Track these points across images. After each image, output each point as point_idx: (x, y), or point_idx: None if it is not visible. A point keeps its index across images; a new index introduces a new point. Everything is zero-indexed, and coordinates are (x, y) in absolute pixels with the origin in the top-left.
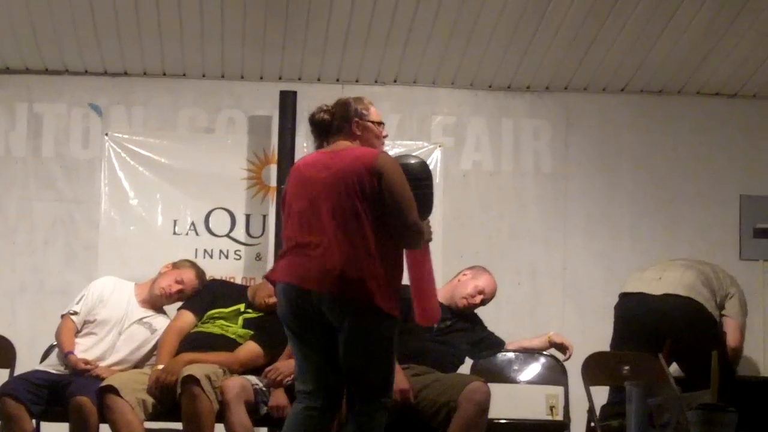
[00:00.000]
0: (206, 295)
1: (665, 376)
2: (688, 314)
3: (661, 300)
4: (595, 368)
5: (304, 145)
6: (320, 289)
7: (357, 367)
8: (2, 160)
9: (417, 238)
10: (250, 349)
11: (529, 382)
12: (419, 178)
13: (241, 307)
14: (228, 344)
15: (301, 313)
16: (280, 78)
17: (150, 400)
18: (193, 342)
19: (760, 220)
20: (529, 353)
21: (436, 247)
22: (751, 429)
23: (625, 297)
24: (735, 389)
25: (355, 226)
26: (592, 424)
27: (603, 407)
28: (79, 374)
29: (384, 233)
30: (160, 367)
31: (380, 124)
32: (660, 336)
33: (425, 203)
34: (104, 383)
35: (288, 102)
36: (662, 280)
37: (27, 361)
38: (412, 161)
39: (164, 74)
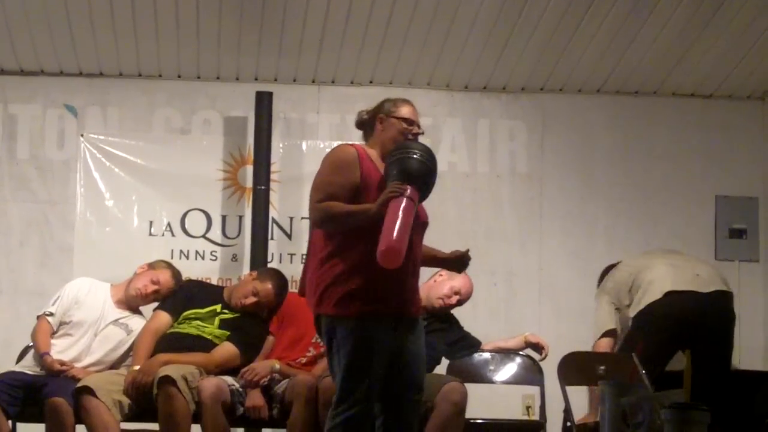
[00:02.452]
0: (182, 295)
1: (639, 376)
2: (731, 307)
3: (715, 298)
4: (571, 368)
5: (280, 146)
6: None
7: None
8: None
9: (317, 217)
10: (227, 349)
11: (506, 382)
12: (393, 150)
13: (218, 307)
14: (204, 345)
15: None
16: (255, 79)
17: (126, 400)
18: (169, 343)
19: (736, 221)
20: (506, 353)
21: None
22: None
23: (675, 295)
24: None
25: (312, 234)
26: (568, 423)
27: None
28: (55, 375)
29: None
30: (137, 367)
31: (406, 120)
32: (705, 334)
33: (393, 168)
34: (80, 384)
35: (264, 103)
36: (701, 277)
37: (2, 363)
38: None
39: (140, 75)
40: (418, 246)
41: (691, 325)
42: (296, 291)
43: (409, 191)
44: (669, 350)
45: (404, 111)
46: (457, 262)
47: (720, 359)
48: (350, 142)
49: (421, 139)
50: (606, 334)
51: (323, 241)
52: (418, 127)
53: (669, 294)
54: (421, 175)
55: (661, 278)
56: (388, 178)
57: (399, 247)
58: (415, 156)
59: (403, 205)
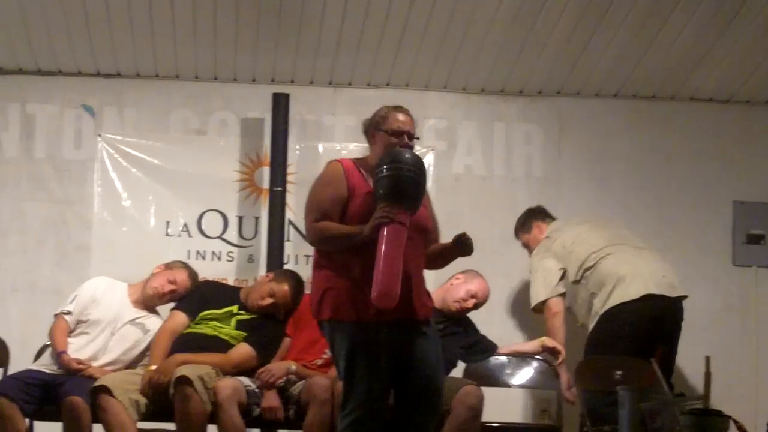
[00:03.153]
0: (199, 296)
1: (658, 381)
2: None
3: (676, 303)
4: (588, 372)
5: (297, 148)
6: None
7: None
8: None
9: (312, 238)
10: (243, 350)
11: (522, 386)
12: (379, 164)
13: (234, 308)
14: (221, 345)
15: None
16: (272, 80)
17: (143, 400)
18: (186, 343)
19: (754, 227)
20: (522, 357)
21: None
22: None
23: (651, 300)
24: None
25: None
26: (585, 428)
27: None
28: (72, 374)
29: None
30: (153, 367)
31: (394, 133)
32: (668, 339)
33: (380, 186)
34: (97, 383)
35: (281, 104)
36: (667, 279)
37: (20, 361)
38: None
39: (157, 76)
40: (417, 250)
41: (662, 331)
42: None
43: (399, 216)
44: (637, 352)
45: (391, 123)
46: (461, 246)
47: (672, 362)
48: (339, 158)
49: (434, 139)
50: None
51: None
52: (408, 137)
53: (645, 298)
54: (408, 190)
55: (634, 276)
56: (377, 197)
57: (390, 291)
58: (400, 171)
59: (391, 235)
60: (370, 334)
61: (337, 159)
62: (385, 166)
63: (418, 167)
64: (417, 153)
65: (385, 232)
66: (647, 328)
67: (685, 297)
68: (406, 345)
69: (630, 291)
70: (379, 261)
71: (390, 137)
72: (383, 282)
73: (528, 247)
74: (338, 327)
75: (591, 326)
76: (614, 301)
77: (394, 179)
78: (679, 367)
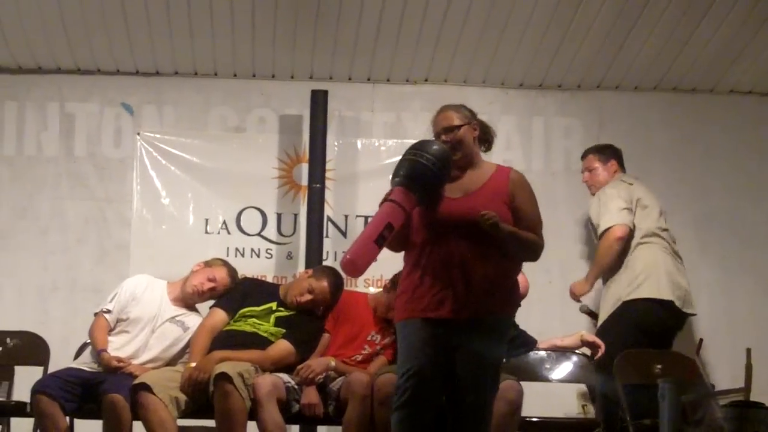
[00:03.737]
0: (238, 293)
1: (699, 375)
2: None
3: (683, 318)
4: (628, 366)
5: (335, 144)
6: None
7: None
8: (34, 160)
9: None
10: (282, 347)
11: (562, 381)
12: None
13: (273, 305)
14: (260, 342)
15: None
16: (311, 77)
17: (183, 397)
18: (226, 340)
19: None
20: (561, 352)
21: None
22: None
23: (669, 308)
24: None
25: None
26: (624, 423)
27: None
28: (112, 372)
29: None
30: (193, 364)
31: (437, 135)
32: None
33: (398, 170)
34: (137, 381)
35: (319, 101)
36: (689, 296)
37: (60, 359)
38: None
39: (195, 74)
40: (477, 247)
41: (669, 340)
42: (352, 289)
43: (394, 194)
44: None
45: (433, 127)
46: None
47: None
48: None
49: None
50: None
51: None
52: (445, 132)
53: (665, 303)
54: (417, 176)
55: (668, 280)
56: (391, 181)
57: (355, 259)
58: (416, 156)
59: (379, 211)
60: (414, 334)
61: None
62: (407, 151)
63: (436, 157)
64: (443, 147)
65: (379, 210)
66: (662, 333)
67: (694, 315)
68: (455, 344)
69: (653, 288)
70: (362, 233)
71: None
72: (352, 250)
73: (590, 171)
74: (399, 326)
75: (607, 305)
76: (641, 292)
77: (407, 163)
78: (720, 359)
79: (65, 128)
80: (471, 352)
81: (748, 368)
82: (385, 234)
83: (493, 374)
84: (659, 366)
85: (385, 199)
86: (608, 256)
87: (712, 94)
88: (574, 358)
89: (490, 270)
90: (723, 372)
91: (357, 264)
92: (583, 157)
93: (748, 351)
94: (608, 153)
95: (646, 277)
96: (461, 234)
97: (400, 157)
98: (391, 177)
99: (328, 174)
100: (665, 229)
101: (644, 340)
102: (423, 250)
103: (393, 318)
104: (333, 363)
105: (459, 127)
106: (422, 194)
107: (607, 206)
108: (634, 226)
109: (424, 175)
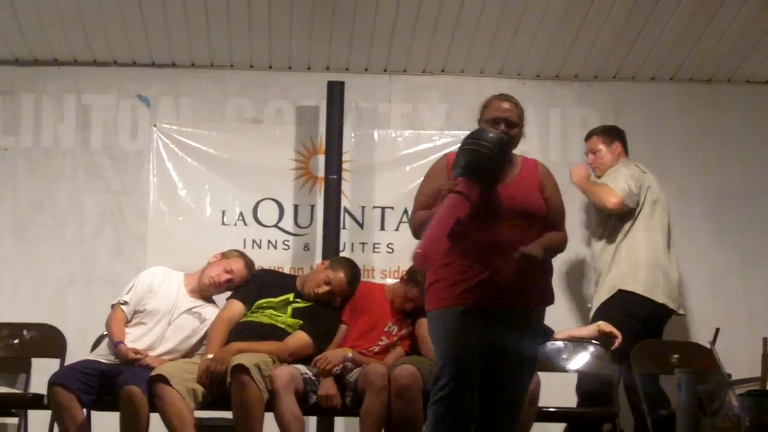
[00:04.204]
0: (255, 284)
1: (716, 364)
2: None
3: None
4: (644, 357)
5: (352, 135)
6: None
7: None
8: (51, 152)
9: (411, 228)
10: (299, 338)
11: (579, 371)
12: (467, 137)
13: (290, 296)
14: (277, 334)
15: None
16: (327, 68)
17: (200, 389)
18: (243, 331)
19: None
20: (579, 342)
21: None
22: None
23: (659, 308)
24: None
25: None
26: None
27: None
28: (129, 364)
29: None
30: (210, 356)
31: (490, 121)
32: None
33: (455, 161)
34: (154, 373)
35: (336, 92)
36: (681, 298)
37: (77, 351)
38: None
39: (212, 65)
40: (523, 237)
41: (659, 328)
42: (369, 280)
43: (459, 186)
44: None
45: (490, 112)
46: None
47: None
48: (451, 152)
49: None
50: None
51: None
52: (507, 124)
53: (657, 303)
54: (478, 164)
55: (661, 275)
56: (452, 172)
57: (428, 253)
58: (475, 146)
59: (447, 202)
60: (466, 319)
61: (449, 152)
62: (465, 142)
63: (495, 145)
64: (500, 135)
65: (444, 201)
66: (654, 323)
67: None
68: (498, 333)
69: (656, 292)
70: (430, 225)
71: (486, 124)
72: (424, 244)
73: (594, 153)
74: (435, 314)
75: (603, 291)
76: (639, 287)
77: (467, 153)
78: (736, 349)
79: (82, 120)
80: (511, 344)
81: (765, 357)
82: (454, 227)
83: (530, 367)
84: (676, 356)
85: (450, 190)
86: (593, 195)
87: (729, 84)
88: (591, 349)
89: (536, 263)
90: (740, 361)
91: (431, 258)
92: (587, 138)
93: (765, 340)
94: (613, 134)
95: (646, 272)
96: (505, 223)
97: (458, 147)
98: (451, 168)
99: (344, 165)
100: (668, 224)
101: (639, 329)
102: (465, 238)
103: (410, 309)
104: (350, 354)
105: (520, 126)
106: (485, 184)
107: (617, 180)
108: (635, 210)
109: (485, 164)
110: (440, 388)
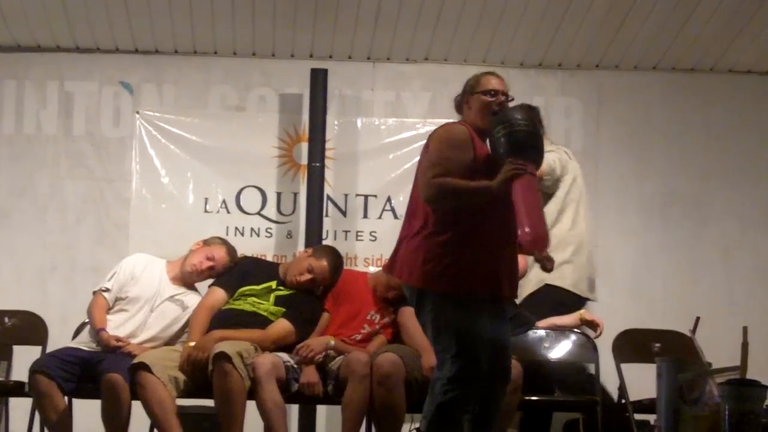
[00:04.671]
0: (237, 272)
1: (696, 353)
2: None
3: None
4: (626, 345)
5: (335, 123)
6: None
7: None
8: (33, 139)
9: (432, 193)
10: (282, 326)
11: (561, 360)
12: (492, 127)
13: (273, 284)
14: (259, 321)
15: None
16: (311, 56)
17: (182, 377)
18: (225, 319)
19: None
20: (560, 331)
21: None
22: None
23: (577, 297)
24: None
25: (410, 208)
26: (623, 400)
27: None
28: (111, 351)
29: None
30: (192, 344)
31: (487, 93)
32: None
33: (503, 143)
34: (136, 360)
35: (319, 80)
36: (593, 272)
37: (59, 339)
38: (505, 111)
39: (195, 52)
40: (511, 222)
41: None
42: (351, 268)
43: (529, 167)
44: None
45: (484, 84)
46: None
47: None
48: (457, 121)
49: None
50: None
51: (430, 217)
52: (504, 95)
53: (580, 297)
54: (530, 142)
55: (587, 266)
56: (499, 156)
57: (541, 234)
58: (518, 127)
59: (526, 184)
60: (481, 310)
61: (460, 122)
62: (499, 127)
63: (529, 119)
64: (524, 106)
65: (519, 184)
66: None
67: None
68: (499, 326)
69: (581, 286)
70: (522, 208)
71: (485, 96)
72: (533, 226)
73: None
74: (451, 300)
75: (530, 284)
76: (567, 284)
77: (512, 135)
78: (717, 337)
79: (64, 107)
80: (505, 333)
81: (745, 346)
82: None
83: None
84: (657, 344)
85: (522, 172)
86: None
87: (712, 74)
88: (573, 337)
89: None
90: (720, 350)
91: (545, 238)
92: None
93: (745, 329)
94: (534, 114)
95: (573, 266)
96: (508, 206)
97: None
98: (497, 154)
99: (328, 153)
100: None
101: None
102: (476, 222)
103: (393, 297)
104: (332, 342)
105: (511, 98)
106: (538, 159)
107: (546, 159)
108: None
109: (534, 140)
110: (455, 375)
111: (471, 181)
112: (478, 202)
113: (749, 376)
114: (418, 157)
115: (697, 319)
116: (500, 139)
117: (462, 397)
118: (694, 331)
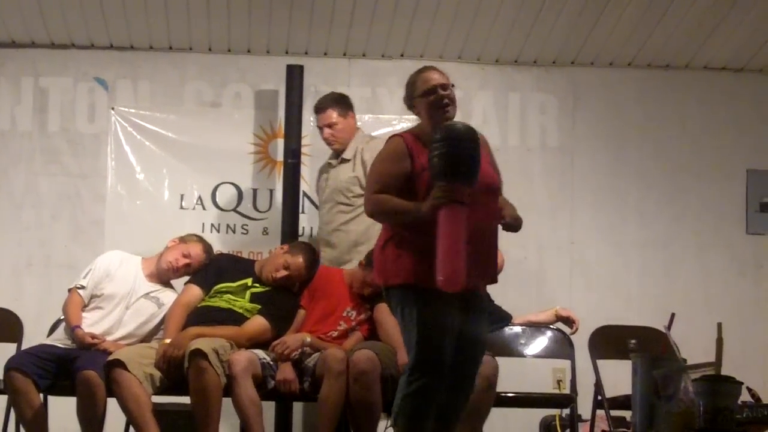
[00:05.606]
0: (213, 269)
1: (671, 349)
2: None
3: None
4: (602, 342)
5: (311, 119)
6: None
7: None
8: (8, 135)
9: (370, 209)
10: (258, 323)
11: (537, 356)
12: (432, 142)
13: (249, 281)
14: (235, 318)
15: None
16: (286, 52)
17: (157, 374)
18: (200, 316)
19: (767, 195)
20: (536, 327)
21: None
22: None
23: None
24: None
25: None
26: (599, 397)
27: None
28: (86, 348)
29: None
30: (168, 341)
31: (428, 92)
32: None
33: (435, 165)
34: (111, 357)
35: (295, 76)
36: None
37: (34, 336)
38: (447, 127)
39: (170, 48)
40: (490, 214)
41: None
42: (327, 264)
43: (458, 194)
44: None
45: (421, 85)
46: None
47: None
48: (400, 132)
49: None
50: None
51: None
52: (443, 88)
53: None
54: (462, 166)
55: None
56: (432, 175)
57: (454, 275)
58: (452, 148)
59: (450, 216)
60: (446, 301)
61: (398, 134)
62: (437, 144)
63: (470, 139)
64: (468, 125)
65: (443, 214)
66: None
67: None
68: (468, 318)
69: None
70: (442, 243)
71: (427, 98)
72: (447, 265)
73: (330, 126)
74: (413, 292)
75: None
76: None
77: (447, 156)
78: (692, 333)
79: (39, 103)
80: (475, 325)
81: (719, 342)
82: None
83: (483, 348)
84: (633, 341)
85: (446, 200)
86: None
87: (687, 71)
88: (549, 334)
89: (493, 241)
90: (695, 346)
91: (459, 279)
92: (318, 111)
93: (719, 325)
94: (347, 105)
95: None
96: (476, 202)
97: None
98: (432, 171)
99: (304, 149)
100: None
101: None
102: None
103: (369, 294)
104: (308, 339)
105: (452, 86)
106: (471, 182)
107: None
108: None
109: (470, 163)
110: (420, 367)
111: (403, 201)
112: (409, 221)
113: (724, 372)
114: None
115: (672, 315)
116: (433, 159)
117: (426, 387)
118: (669, 327)
